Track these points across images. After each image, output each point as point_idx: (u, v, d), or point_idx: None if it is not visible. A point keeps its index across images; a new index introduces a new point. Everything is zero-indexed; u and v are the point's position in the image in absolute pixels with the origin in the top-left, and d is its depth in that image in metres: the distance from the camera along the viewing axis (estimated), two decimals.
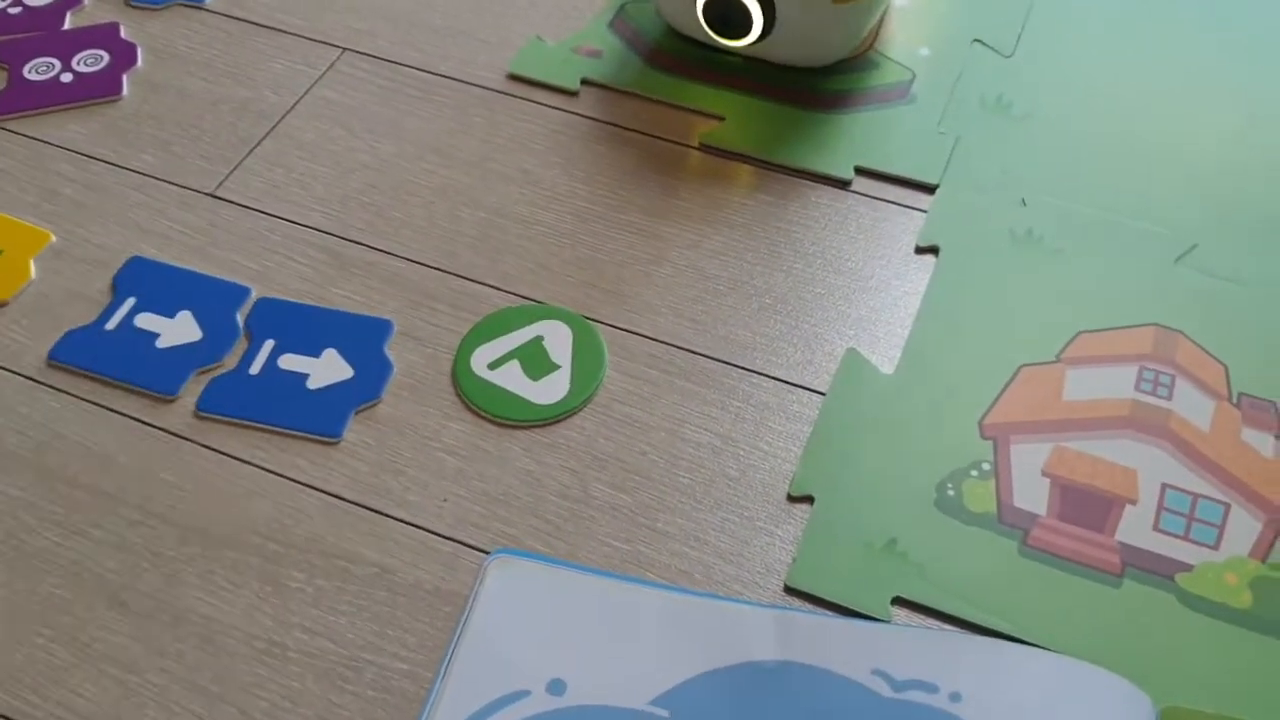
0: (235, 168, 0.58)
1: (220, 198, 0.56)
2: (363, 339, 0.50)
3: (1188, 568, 0.44)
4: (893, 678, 0.40)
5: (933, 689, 0.39)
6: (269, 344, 0.50)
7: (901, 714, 0.39)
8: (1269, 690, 0.41)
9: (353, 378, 0.49)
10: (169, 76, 0.62)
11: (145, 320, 0.51)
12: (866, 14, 0.60)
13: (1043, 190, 0.57)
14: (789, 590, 0.44)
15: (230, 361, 0.49)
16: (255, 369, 0.49)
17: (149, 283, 0.52)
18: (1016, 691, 0.39)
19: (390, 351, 0.50)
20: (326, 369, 0.49)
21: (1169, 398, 0.49)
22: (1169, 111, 0.61)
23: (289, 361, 0.49)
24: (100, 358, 0.49)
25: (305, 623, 0.42)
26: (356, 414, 0.48)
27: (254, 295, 0.52)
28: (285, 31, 0.65)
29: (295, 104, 0.61)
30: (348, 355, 0.49)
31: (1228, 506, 0.46)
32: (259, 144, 0.59)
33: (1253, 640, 0.43)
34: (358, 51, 0.64)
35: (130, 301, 0.51)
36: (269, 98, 0.61)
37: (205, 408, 0.48)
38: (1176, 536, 0.45)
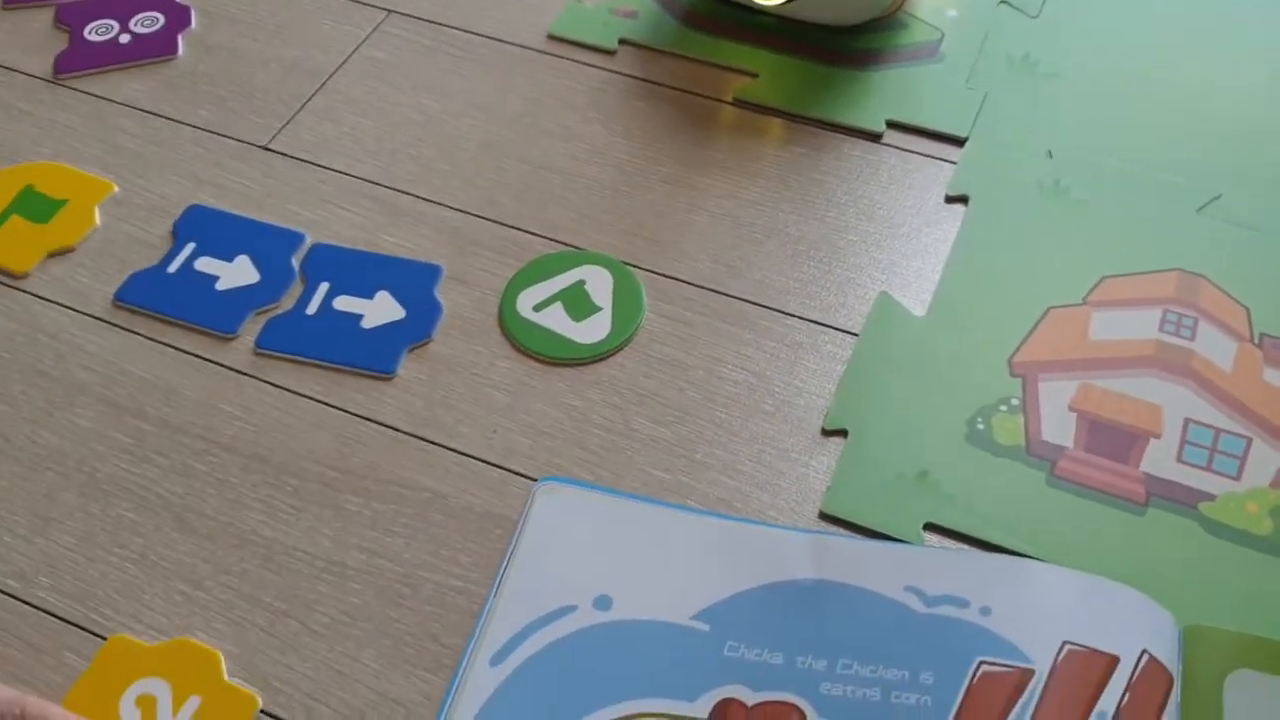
0: (287, 122, 0.60)
1: (274, 150, 0.59)
2: (414, 282, 0.52)
3: (1210, 497, 0.46)
4: (925, 594, 0.42)
5: (964, 604, 0.41)
6: (324, 286, 0.52)
7: (934, 627, 0.41)
8: None
9: (405, 318, 0.51)
10: (221, 37, 0.64)
11: (205, 264, 0.53)
12: None
13: (1069, 144, 0.59)
14: (824, 517, 0.45)
15: (287, 302, 0.52)
16: (311, 309, 0.51)
17: (208, 229, 0.54)
18: (1045, 606, 0.41)
19: (440, 294, 0.52)
20: (379, 310, 0.51)
21: (1192, 338, 0.51)
22: (1192, 68, 0.63)
23: (343, 303, 0.51)
24: (163, 298, 0.52)
25: (364, 543, 0.45)
26: (409, 352, 0.50)
27: (308, 241, 0.54)
28: None
29: (343, 63, 0.63)
30: (399, 297, 0.52)
31: (1249, 440, 0.48)
32: (309, 100, 0.61)
33: (1273, 564, 0.44)
34: (401, 13, 0.66)
35: (190, 246, 0.54)
36: (317, 57, 0.63)
37: (264, 345, 0.50)
38: (1199, 468, 0.47)
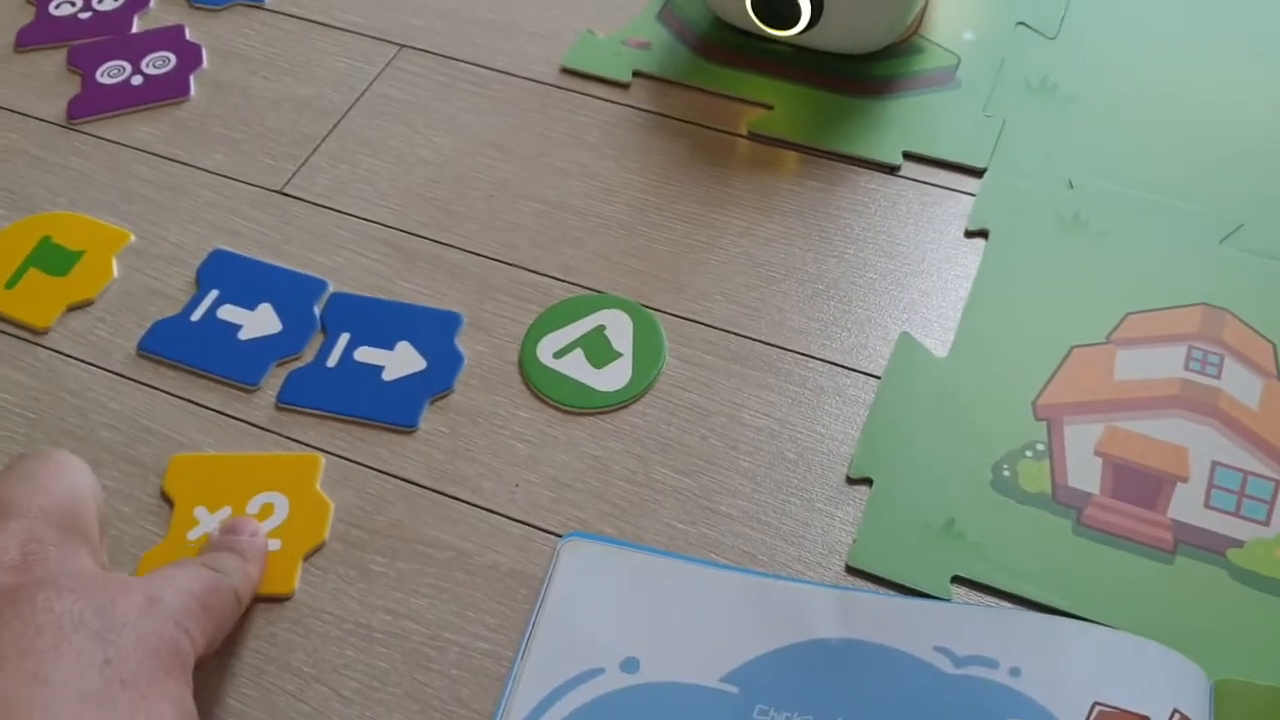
0: (301, 165, 0.60)
1: (288, 195, 0.58)
2: (434, 331, 0.52)
3: (1239, 544, 0.46)
4: (954, 654, 0.41)
5: (993, 664, 0.41)
6: (344, 337, 0.52)
7: (964, 689, 0.41)
8: None
9: (426, 369, 0.51)
10: (233, 76, 0.64)
11: (227, 312, 0.53)
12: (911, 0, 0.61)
13: (1089, 172, 0.58)
14: (850, 570, 0.45)
15: (308, 354, 0.52)
16: (332, 361, 0.51)
17: (231, 275, 0.54)
18: (1075, 665, 0.41)
19: (460, 343, 0.52)
20: (401, 361, 0.51)
21: (1218, 376, 0.50)
22: (1215, 89, 0.62)
23: (364, 354, 0.51)
24: (186, 348, 0.51)
25: (389, 605, 0.45)
26: (430, 404, 0.50)
27: (330, 288, 0.54)
28: (343, 29, 0.67)
29: (356, 101, 0.63)
30: (420, 347, 0.51)
31: (1277, 483, 0.47)
32: (323, 141, 0.61)
33: None
34: (414, 48, 0.65)
35: (214, 294, 0.53)
36: (330, 95, 0.63)
37: (286, 399, 0.50)
38: (1227, 513, 0.47)
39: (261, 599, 0.44)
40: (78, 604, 0.34)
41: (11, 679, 0.32)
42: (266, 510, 0.46)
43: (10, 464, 0.39)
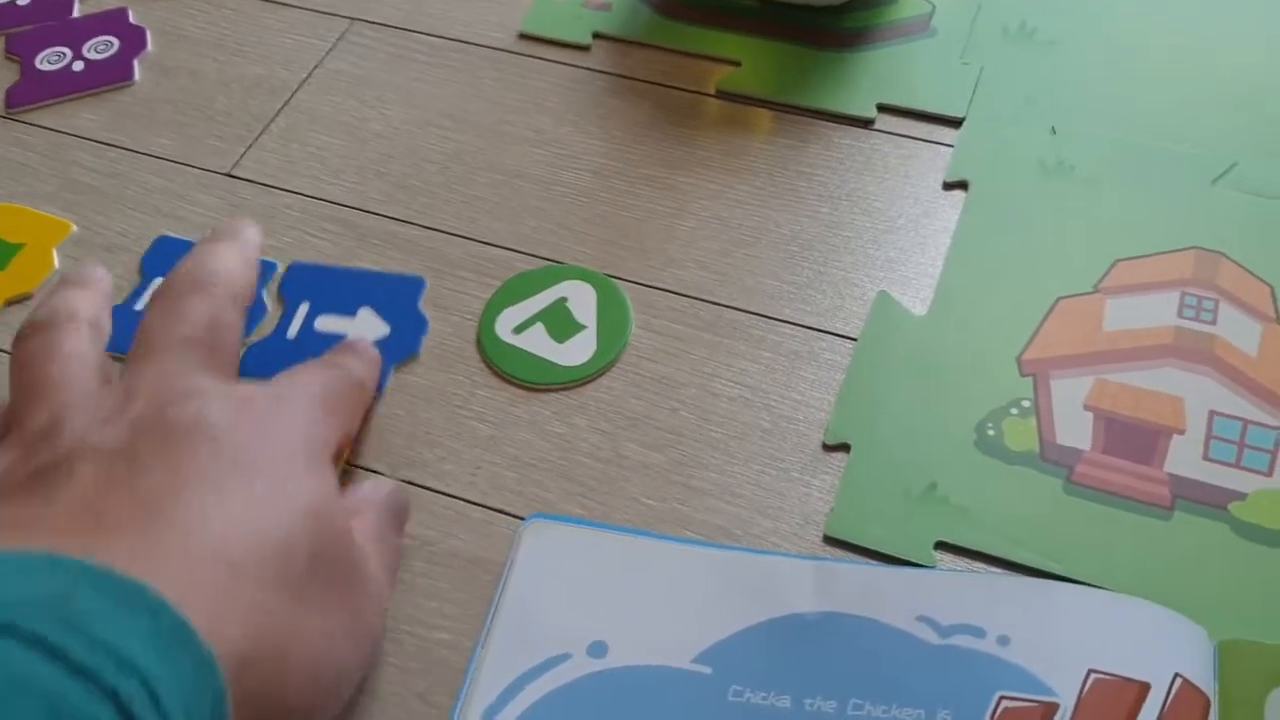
0: (250, 146, 0.57)
1: (237, 177, 0.56)
2: (397, 296, 0.50)
3: (1240, 496, 0.43)
4: (938, 623, 0.39)
5: (980, 633, 0.38)
6: (304, 307, 0.50)
7: (949, 660, 0.38)
8: None
9: (390, 335, 0.49)
10: (180, 59, 0.62)
11: None
12: None
13: (1073, 117, 0.56)
14: (828, 540, 0.43)
15: (266, 329, 0.49)
16: (292, 333, 0.49)
17: (175, 262, 0.51)
18: (1066, 631, 0.38)
19: (424, 309, 0.50)
20: (363, 328, 0.49)
21: (1213, 322, 0.48)
22: (1201, 27, 0.59)
23: (325, 323, 0.49)
24: (131, 339, 0.49)
25: None
26: (395, 372, 0.48)
27: (279, 270, 0.52)
28: (293, 6, 0.64)
29: (306, 78, 0.60)
30: (383, 313, 0.49)
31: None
32: (272, 121, 0.58)
33: None
34: (366, 21, 0.63)
35: (158, 282, 0.51)
36: (280, 74, 0.61)
37: (247, 376, 0.48)
38: (1228, 465, 0.44)
39: None
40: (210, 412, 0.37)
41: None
42: None
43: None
